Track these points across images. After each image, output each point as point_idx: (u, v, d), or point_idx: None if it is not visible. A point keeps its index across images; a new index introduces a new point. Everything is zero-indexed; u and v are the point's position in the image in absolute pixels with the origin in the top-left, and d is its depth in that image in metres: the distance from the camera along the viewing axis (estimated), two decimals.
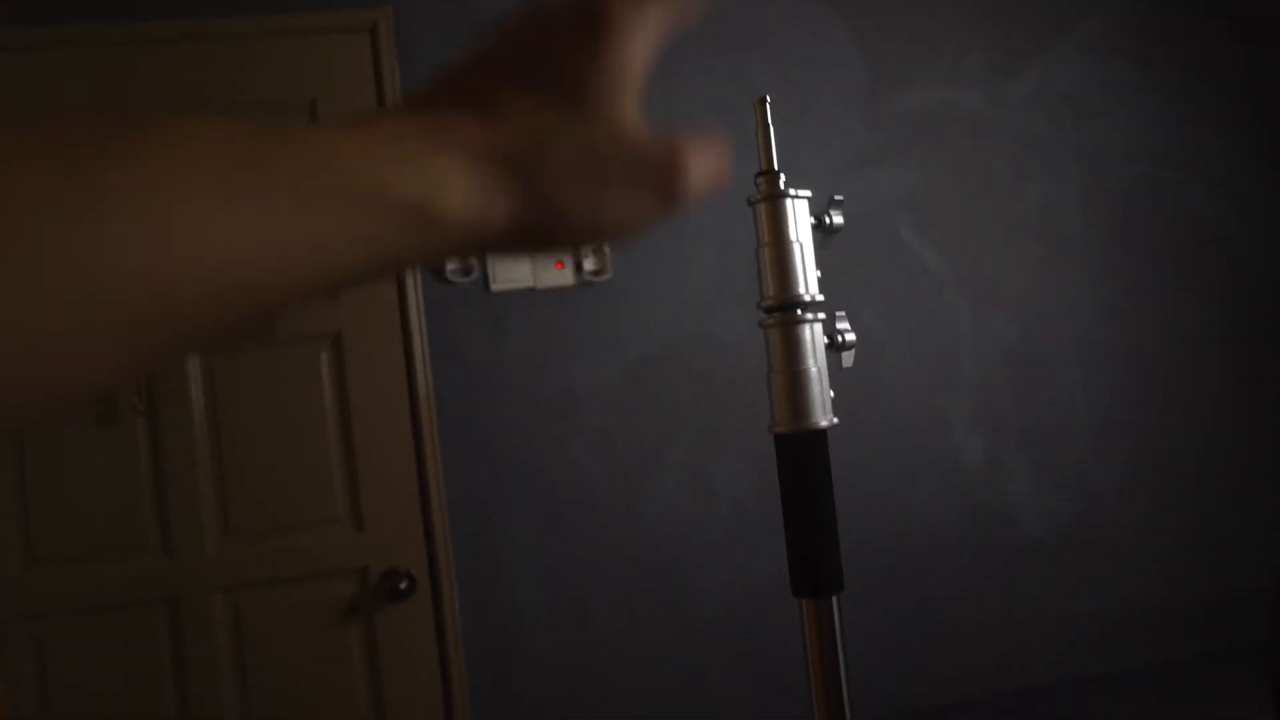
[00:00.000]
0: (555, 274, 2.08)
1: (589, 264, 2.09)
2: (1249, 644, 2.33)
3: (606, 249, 2.11)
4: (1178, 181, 2.51)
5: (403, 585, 1.86)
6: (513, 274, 2.05)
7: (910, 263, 2.33)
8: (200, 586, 1.85)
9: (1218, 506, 2.42)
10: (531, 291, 2.08)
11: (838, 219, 0.96)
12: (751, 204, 0.95)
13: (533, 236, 0.30)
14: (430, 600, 1.94)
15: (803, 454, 0.90)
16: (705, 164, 0.32)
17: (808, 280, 0.92)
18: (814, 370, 0.91)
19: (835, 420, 0.92)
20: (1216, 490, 2.42)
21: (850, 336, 0.96)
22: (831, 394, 0.93)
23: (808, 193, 0.94)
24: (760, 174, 0.95)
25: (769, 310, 0.94)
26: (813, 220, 0.95)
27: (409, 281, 2.01)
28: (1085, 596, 2.32)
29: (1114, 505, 2.37)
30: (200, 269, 0.23)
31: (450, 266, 2.03)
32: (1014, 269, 2.38)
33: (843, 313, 0.97)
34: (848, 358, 0.96)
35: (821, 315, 0.93)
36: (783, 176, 0.93)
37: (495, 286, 2.05)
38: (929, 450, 2.28)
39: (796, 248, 0.91)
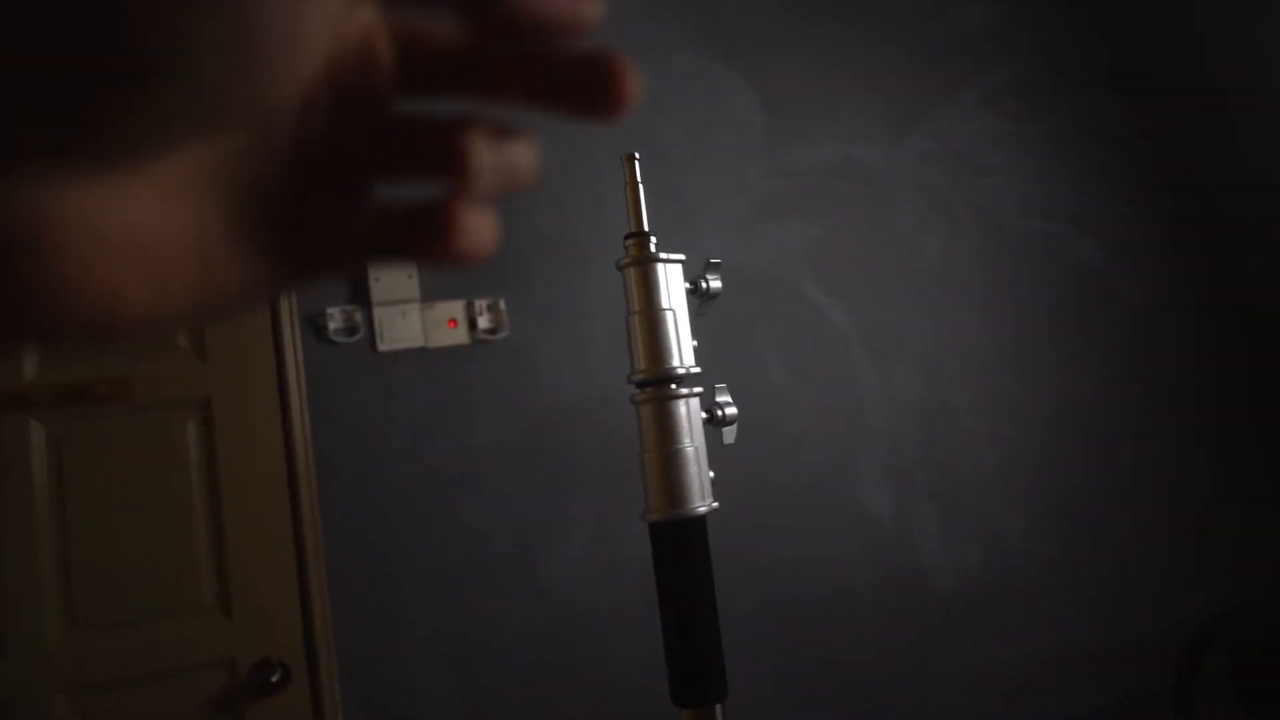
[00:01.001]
0: (448, 332, 1.97)
1: (484, 321, 2.00)
2: (1155, 691, 2.34)
3: (503, 305, 2.02)
4: (1067, 234, 2.58)
5: (274, 678, 1.69)
6: (401, 333, 1.94)
7: (815, 317, 2.31)
8: (38, 689, 1.64)
9: (1119, 551, 2.44)
10: (422, 351, 1.97)
11: (715, 284, 0.90)
12: (620, 269, 0.88)
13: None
14: (308, 691, 1.76)
15: (679, 544, 0.82)
16: None
17: (682, 351, 0.84)
18: (691, 450, 0.83)
19: (715, 505, 0.84)
20: (1118, 535, 2.45)
21: (731, 410, 0.89)
22: (711, 475, 0.85)
23: (681, 256, 0.87)
24: (629, 236, 0.88)
25: (640, 384, 0.86)
26: (688, 286, 0.88)
27: (286, 341, 1.88)
28: (996, 649, 2.29)
29: (1020, 553, 2.36)
30: None
31: (334, 325, 1.90)
32: (917, 322, 2.39)
33: (723, 385, 0.90)
34: (729, 433, 0.89)
35: (699, 389, 0.86)
36: (654, 240, 0.87)
37: (383, 346, 1.93)
38: (839, 506, 2.23)
39: (669, 316, 0.84)
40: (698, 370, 0.85)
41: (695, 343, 0.85)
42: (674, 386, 0.85)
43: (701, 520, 0.85)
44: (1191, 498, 2.54)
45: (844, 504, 2.24)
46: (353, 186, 0.21)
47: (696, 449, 0.85)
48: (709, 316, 0.96)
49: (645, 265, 0.85)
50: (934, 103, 2.52)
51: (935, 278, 2.43)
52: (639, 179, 0.87)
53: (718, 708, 0.83)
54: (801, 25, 2.45)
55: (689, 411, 0.84)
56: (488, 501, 1.97)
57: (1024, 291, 2.50)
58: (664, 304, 0.84)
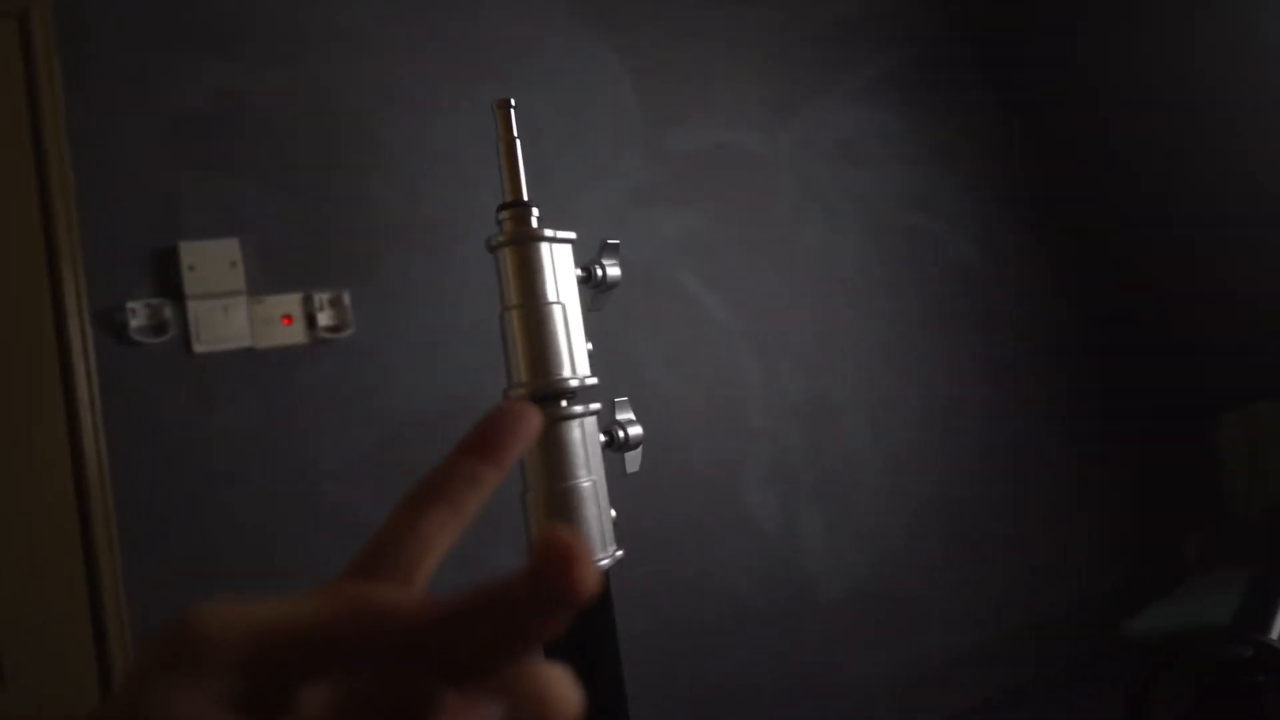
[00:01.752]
0: (281, 330, 1.69)
1: (324, 317, 1.72)
2: (1039, 680, 2.36)
3: (347, 299, 1.75)
4: (939, 230, 2.57)
5: None
6: (222, 331, 1.64)
7: (695, 311, 2.17)
8: None
9: (992, 548, 2.45)
10: (250, 352, 1.67)
11: (613, 270, 0.71)
12: (492, 249, 0.67)
13: None
14: None
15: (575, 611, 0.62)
16: None
17: (574, 358, 0.65)
18: (587, 485, 0.64)
19: (619, 554, 0.66)
20: (991, 532, 2.46)
21: (635, 430, 0.70)
22: (614, 514, 0.67)
23: (571, 235, 0.68)
24: (504, 208, 0.68)
25: None
26: (580, 272, 0.69)
27: (74, 343, 1.54)
28: (883, 650, 2.24)
29: (902, 554, 2.32)
30: None
31: (135, 322, 1.58)
32: (797, 316, 2.30)
33: (624, 399, 0.71)
34: (633, 460, 0.71)
35: (595, 405, 0.67)
36: (535, 212, 0.67)
37: (199, 348, 1.62)
38: (725, 513, 2.11)
39: (557, 312, 0.64)
40: (594, 381, 0.66)
41: (590, 345, 0.66)
42: (564, 404, 0.65)
43: (603, 577, 0.65)
44: (1060, 492, 2.59)
45: (730, 511, 2.12)
46: None
47: (595, 483, 0.66)
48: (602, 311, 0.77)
49: (525, 245, 0.65)
50: (814, 89, 2.43)
51: (814, 270, 2.35)
52: (515, 133, 0.67)
53: None
54: (680, 1, 2.30)
55: (585, 435, 0.65)
56: (333, 527, 1.70)
57: (901, 287, 2.47)
58: (550, 296, 0.65)
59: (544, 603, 0.19)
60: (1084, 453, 2.66)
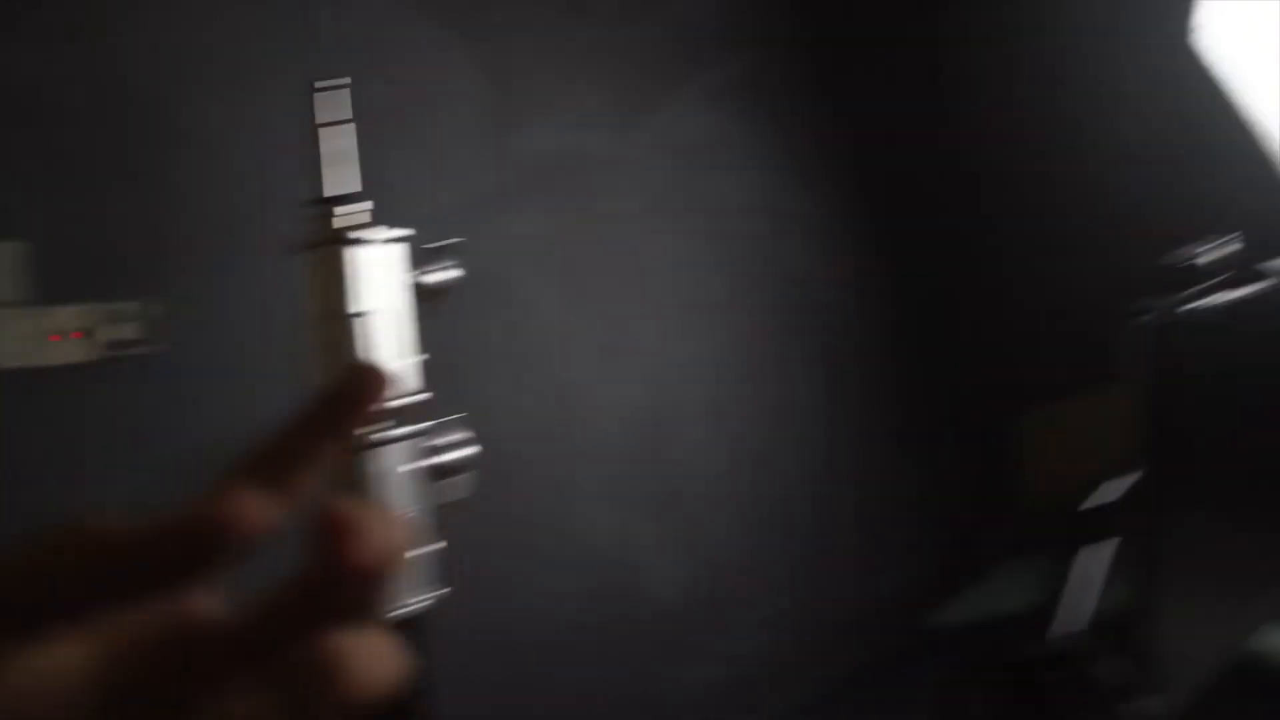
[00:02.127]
0: (58, 347, 1.48)
1: (117, 331, 1.53)
2: (869, 667, 2.45)
3: (144, 308, 1.56)
4: (783, 236, 2.61)
5: None
6: None
7: (533, 319, 2.11)
8: None
9: (825, 544, 2.54)
10: (27, 373, 1.45)
11: (447, 274, 0.64)
12: (293, 254, 0.59)
13: None
14: None
15: None
16: None
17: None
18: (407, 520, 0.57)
19: (444, 591, 0.60)
20: (824, 528, 2.54)
21: (464, 452, 0.64)
22: (441, 545, 0.60)
23: (394, 233, 0.61)
24: (313, 203, 0.61)
25: None
26: (411, 275, 0.62)
27: None
28: (714, 658, 2.25)
29: (736, 560, 2.35)
30: None
31: None
32: (641, 323, 2.29)
33: (455, 416, 0.65)
34: (458, 486, 0.64)
35: (419, 426, 0.60)
36: (363, 207, 0.60)
37: None
38: (552, 531, 2.06)
39: (366, 324, 0.57)
40: (417, 399, 0.60)
41: (427, 355, 0.60)
42: (375, 429, 0.58)
43: (416, 623, 0.60)
44: (883, 489, 2.72)
45: (560, 528, 2.06)
46: None
47: (415, 517, 0.59)
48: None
49: (329, 250, 0.58)
50: (660, 93, 2.41)
51: (657, 276, 2.34)
52: (328, 117, 0.60)
53: None
54: None
55: (398, 464, 0.59)
56: None
57: (742, 293, 2.50)
58: (353, 307, 0.57)
59: (327, 580, 0.19)
60: (905, 450, 2.80)
